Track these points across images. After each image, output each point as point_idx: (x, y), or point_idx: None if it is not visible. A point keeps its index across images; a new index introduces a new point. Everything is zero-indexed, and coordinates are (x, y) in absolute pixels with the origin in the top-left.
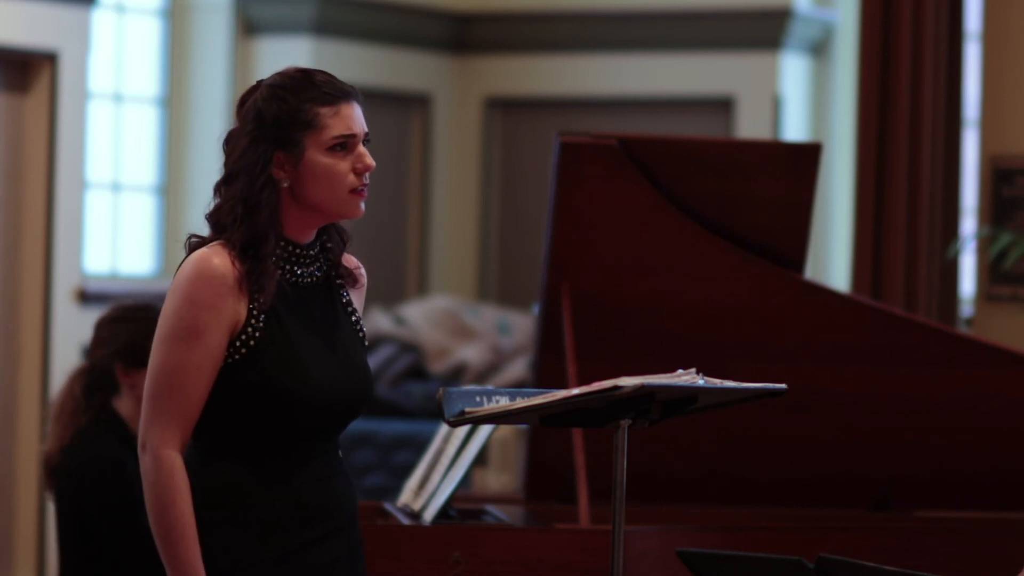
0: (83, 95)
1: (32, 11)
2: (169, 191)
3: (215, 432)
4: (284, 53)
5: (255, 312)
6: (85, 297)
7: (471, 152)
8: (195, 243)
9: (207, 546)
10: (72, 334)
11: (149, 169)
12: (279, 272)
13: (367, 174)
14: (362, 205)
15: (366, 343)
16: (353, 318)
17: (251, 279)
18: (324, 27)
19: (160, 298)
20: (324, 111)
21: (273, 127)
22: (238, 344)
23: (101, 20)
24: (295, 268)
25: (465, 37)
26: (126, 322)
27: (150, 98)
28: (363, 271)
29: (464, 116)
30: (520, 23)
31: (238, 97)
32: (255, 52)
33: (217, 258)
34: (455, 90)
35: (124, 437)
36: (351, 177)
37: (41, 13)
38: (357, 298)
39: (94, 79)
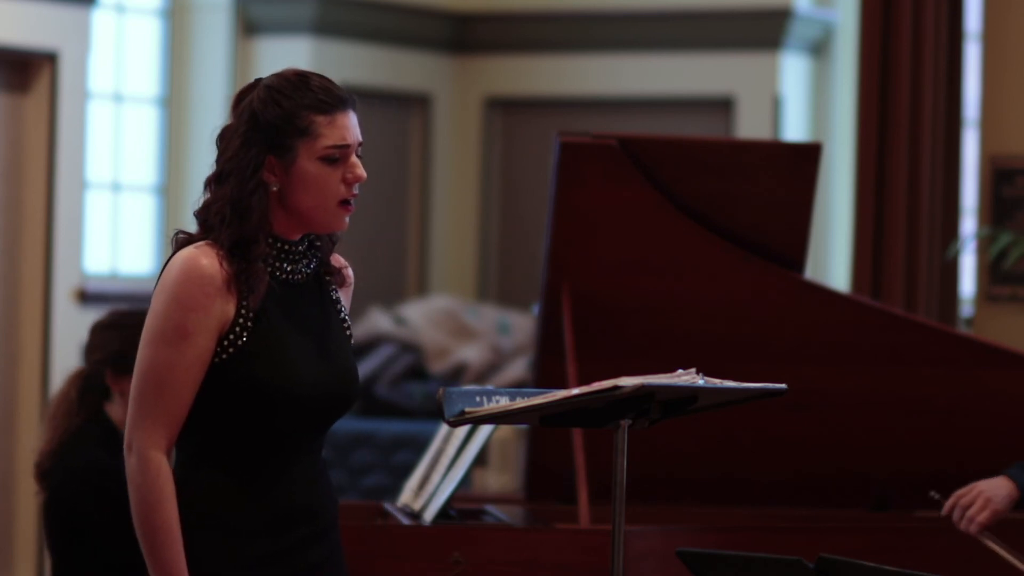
0: (83, 95)
1: (32, 11)
2: (169, 191)
3: (202, 434)
4: (284, 53)
5: (244, 312)
6: (85, 297)
7: (471, 152)
8: (182, 239)
9: (192, 548)
10: (72, 334)
11: (149, 169)
12: (268, 270)
13: (357, 184)
14: (347, 219)
15: (352, 341)
16: (341, 316)
17: (240, 280)
18: (324, 27)
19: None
20: (320, 119)
21: (267, 130)
22: (226, 343)
23: (101, 20)
24: (284, 265)
25: (465, 37)
26: (118, 329)
27: (150, 98)
28: (350, 271)
29: (464, 116)
30: (520, 23)
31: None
32: (255, 52)
33: (205, 258)
34: (455, 90)
35: (115, 441)
36: (341, 187)
37: (41, 13)
38: (344, 297)
39: (94, 79)
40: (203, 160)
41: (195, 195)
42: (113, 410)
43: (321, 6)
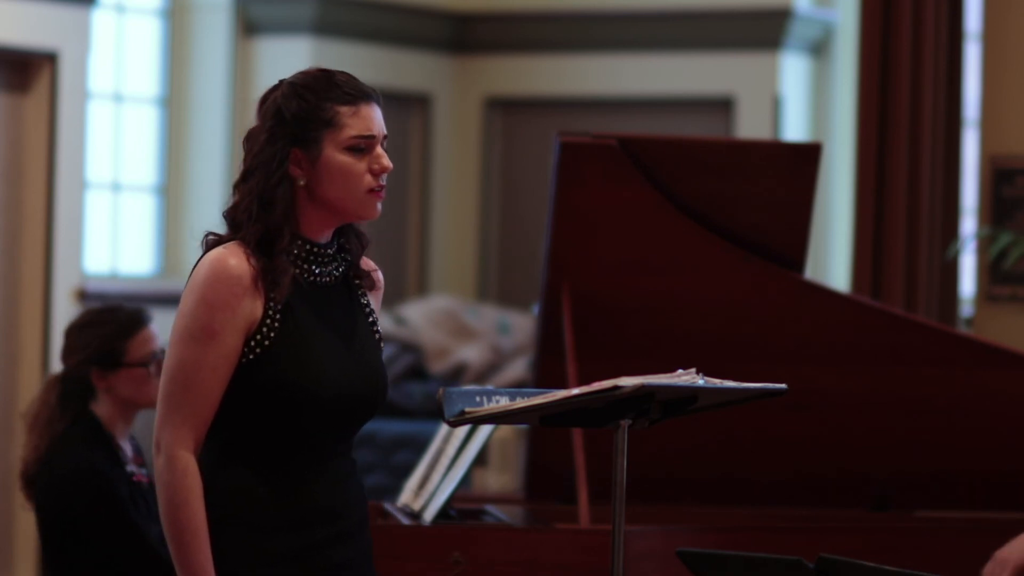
0: (83, 95)
1: (32, 11)
2: (169, 191)
3: (229, 433)
4: (284, 53)
5: (271, 310)
6: (85, 297)
7: (471, 152)
8: (212, 241)
9: (218, 545)
10: None
11: (149, 169)
12: (295, 270)
13: (384, 175)
14: (379, 206)
15: (382, 345)
16: (370, 319)
17: (266, 276)
18: (324, 27)
19: (160, 298)
20: (344, 110)
21: (292, 124)
22: (253, 344)
23: (101, 20)
24: (313, 267)
25: (465, 37)
26: (95, 326)
27: (150, 98)
28: (380, 274)
29: (464, 116)
30: (520, 23)
31: (239, 97)
32: (255, 52)
33: (233, 258)
34: (455, 90)
35: (103, 440)
36: (367, 177)
37: (41, 13)
38: (374, 301)
39: (94, 79)
40: (203, 160)
41: (195, 195)
42: (100, 408)
43: (321, 6)
